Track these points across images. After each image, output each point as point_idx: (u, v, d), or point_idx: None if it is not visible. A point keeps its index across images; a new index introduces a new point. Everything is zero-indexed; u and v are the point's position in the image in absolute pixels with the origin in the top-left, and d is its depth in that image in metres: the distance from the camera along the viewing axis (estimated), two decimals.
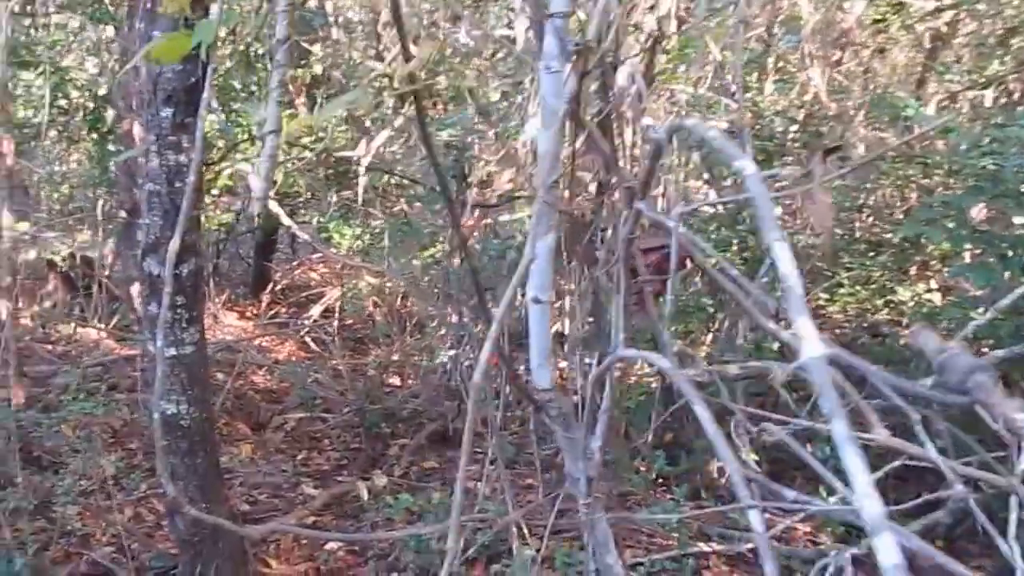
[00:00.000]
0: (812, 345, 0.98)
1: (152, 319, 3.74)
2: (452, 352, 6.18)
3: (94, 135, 8.44)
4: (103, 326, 8.13)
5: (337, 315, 7.95)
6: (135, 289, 7.85)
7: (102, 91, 8.35)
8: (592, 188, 4.66)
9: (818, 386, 0.93)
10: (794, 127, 6.12)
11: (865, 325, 6.13)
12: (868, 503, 0.85)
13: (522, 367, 3.24)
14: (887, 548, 0.84)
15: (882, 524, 0.84)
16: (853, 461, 0.88)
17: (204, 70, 3.36)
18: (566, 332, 5.15)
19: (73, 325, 8.27)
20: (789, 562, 4.21)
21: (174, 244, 2.85)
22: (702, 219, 5.71)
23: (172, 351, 3.70)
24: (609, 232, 4.10)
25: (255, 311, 9.19)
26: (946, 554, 1.29)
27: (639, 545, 4.70)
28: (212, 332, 8.00)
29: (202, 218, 4.39)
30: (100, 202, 8.61)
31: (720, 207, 5.25)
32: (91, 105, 8.25)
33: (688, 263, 3.33)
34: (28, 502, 4.68)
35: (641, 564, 4.39)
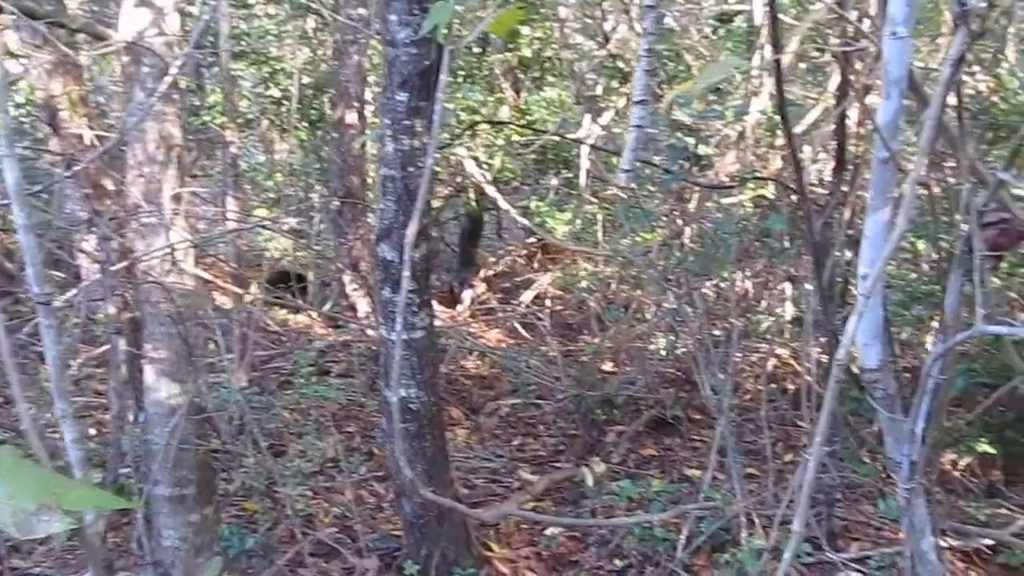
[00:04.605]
0: None
1: (385, 304, 3.93)
2: (670, 338, 6.19)
3: (306, 124, 8.87)
4: (315, 312, 8.55)
5: (548, 301, 8.10)
6: (347, 276, 8.26)
7: (311, 80, 8.76)
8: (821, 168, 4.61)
9: None
10: None
11: None
12: None
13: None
14: None
15: None
16: None
17: (440, 53, 3.51)
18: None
19: (286, 311, 8.74)
20: None
21: (412, 228, 3.02)
22: None
23: (404, 335, 3.88)
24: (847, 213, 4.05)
25: (462, 297, 9.46)
26: None
27: (867, 538, 4.66)
28: None
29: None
30: (313, 190, 9.03)
31: None
32: (305, 93, 8.66)
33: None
34: (259, 482, 5.01)
35: (870, 558, 4.41)
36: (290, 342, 8.00)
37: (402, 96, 3.67)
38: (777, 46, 1.99)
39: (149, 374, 4.13)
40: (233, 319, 5.89)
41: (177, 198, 3.77)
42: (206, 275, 4.76)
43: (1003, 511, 4.73)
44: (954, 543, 4.48)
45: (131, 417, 4.40)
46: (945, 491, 5.03)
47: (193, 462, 4.30)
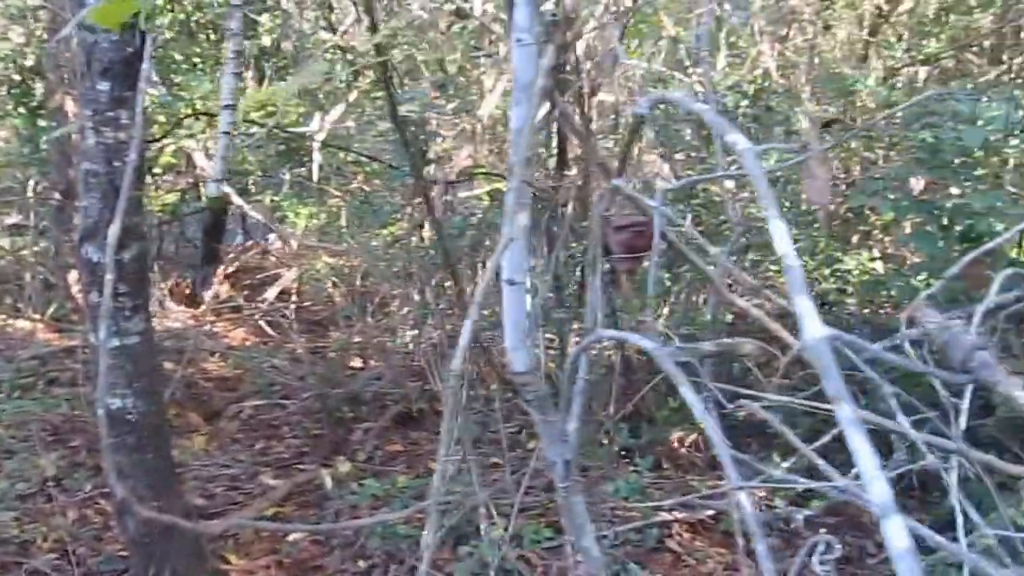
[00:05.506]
0: (814, 325, 0.98)
1: (93, 309, 3.68)
2: (414, 331, 6.16)
3: (22, 110, 8.29)
4: (37, 316, 8.01)
5: (294, 297, 7.92)
6: (71, 276, 7.77)
7: (29, 62, 8.19)
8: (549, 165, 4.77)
9: (821, 367, 0.94)
10: (745, 101, 6.54)
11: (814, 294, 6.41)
12: (876, 486, 0.87)
13: None
14: (897, 532, 0.86)
15: (891, 508, 0.86)
16: (860, 444, 0.91)
17: (143, 40, 3.31)
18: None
19: (3, 316, 8.15)
20: (743, 525, 4.44)
21: (115, 228, 2.82)
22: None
23: (116, 342, 3.66)
24: (568, 209, 4.18)
25: (204, 295, 9.10)
26: None
27: (603, 518, 4.83)
28: (158, 320, 7.90)
29: (143, 199, 4.32)
30: (31, 182, 8.45)
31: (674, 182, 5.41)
32: (17, 77, 8.08)
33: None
34: None
35: (605, 536, 4.55)
36: (9, 350, 7.45)
37: (104, 85, 3.42)
38: (375, 28, 1.95)
39: None
40: None
41: None
42: None
43: (723, 483, 5.03)
44: (680, 516, 4.73)
45: None
46: (674, 467, 5.31)
47: None
